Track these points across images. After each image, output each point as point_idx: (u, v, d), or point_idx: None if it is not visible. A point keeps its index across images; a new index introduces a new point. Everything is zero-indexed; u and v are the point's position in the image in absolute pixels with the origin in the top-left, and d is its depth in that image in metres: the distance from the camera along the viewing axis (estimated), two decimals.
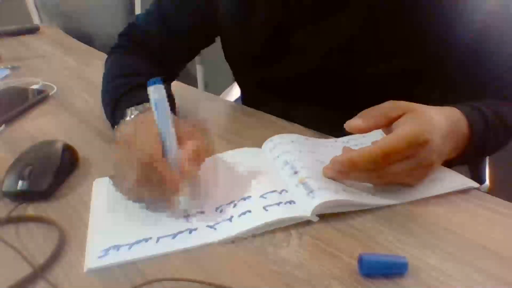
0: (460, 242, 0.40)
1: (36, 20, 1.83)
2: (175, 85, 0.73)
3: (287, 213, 0.43)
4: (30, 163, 0.51)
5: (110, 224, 0.44)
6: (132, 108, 0.56)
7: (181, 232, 0.42)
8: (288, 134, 0.57)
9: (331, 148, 0.56)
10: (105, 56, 0.76)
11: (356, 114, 0.46)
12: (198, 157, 0.45)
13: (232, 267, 0.38)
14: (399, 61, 0.60)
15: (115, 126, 0.55)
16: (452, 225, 0.42)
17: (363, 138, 0.56)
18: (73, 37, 1.32)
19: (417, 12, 0.57)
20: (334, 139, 0.59)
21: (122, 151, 0.45)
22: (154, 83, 0.43)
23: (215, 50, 0.80)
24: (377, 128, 0.46)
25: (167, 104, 0.44)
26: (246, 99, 0.84)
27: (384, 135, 0.48)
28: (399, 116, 0.45)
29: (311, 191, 0.43)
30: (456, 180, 0.48)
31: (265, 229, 0.42)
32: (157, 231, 0.42)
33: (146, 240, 0.41)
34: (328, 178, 0.46)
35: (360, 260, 0.36)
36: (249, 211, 0.43)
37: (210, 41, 0.77)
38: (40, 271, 0.38)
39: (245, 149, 0.57)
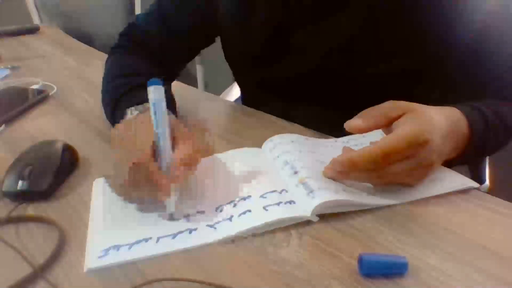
0: (460, 242, 0.40)
1: (36, 20, 1.83)
2: (175, 85, 0.73)
3: (287, 213, 0.43)
4: (30, 163, 0.51)
5: (110, 224, 0.44)
6: (132, 108, 0.56)
7: (181, 232, 0.42)
8: (288, 134, 0.57)
9: (331, 148, 0.56)
10: (105, 56, 0.76)
11: (356, 114, 0.46)
12: (190, 161, 0.44)
13: (232, 267, 0.38)
14: (399, 61, 0.60)
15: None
16: (452, 225, 0.42)
17: (363, 138, 0.56)
18: (73, 37, 1.32)
19: (417, 12, 0.57)
20: (334, 139, 0.59)
21: (117, 150, 0.45)
22: (154, 83, 0.43)
23: (215, 50, 0.80)
24: (377, 128, 0.46)
25: (164, 105, 0.43)
26: (246, 99, 0.84)
27: (384, 135, 0.48)
28: (399, 116, 0.45)
29: (311, 191, 0.43)
30: (456, 180, 0.48)
31: (265, 229, 0.42)
32: (157, 231, 0.42)
33: (146, 240, 0.41)
34: (328, 178, 0.46)
35: (360, 260, 0.36)
36: (249, 211, 0.44)
37: (210, 41, 0.77)
38: (40, 271, 0.38)
39: (245, 149, 0.57)
